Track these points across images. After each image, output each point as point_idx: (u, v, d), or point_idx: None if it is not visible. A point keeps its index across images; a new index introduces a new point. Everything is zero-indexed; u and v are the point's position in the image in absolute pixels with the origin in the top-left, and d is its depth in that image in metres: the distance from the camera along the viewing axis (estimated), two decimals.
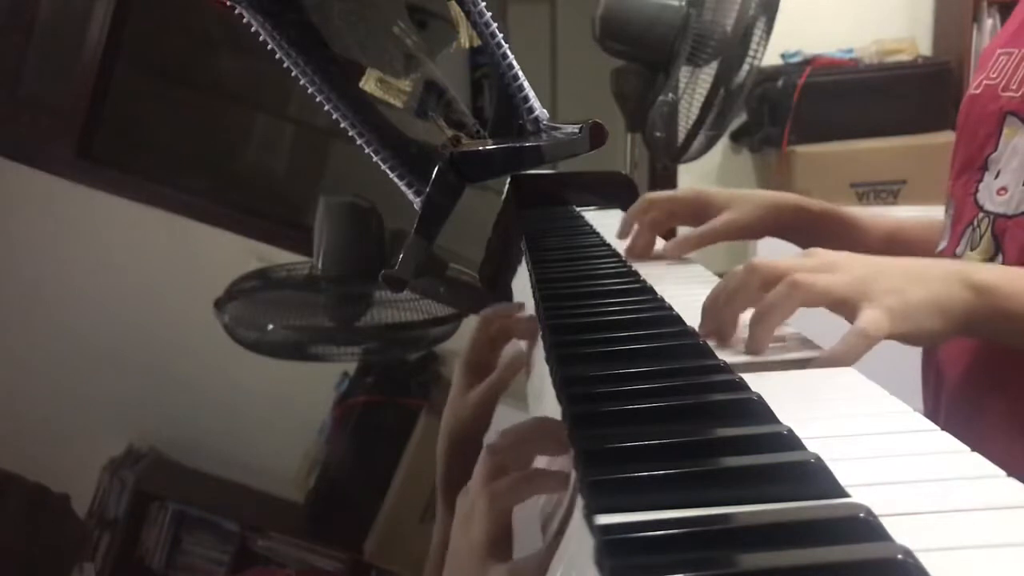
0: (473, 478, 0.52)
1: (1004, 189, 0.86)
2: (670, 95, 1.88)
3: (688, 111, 1.91)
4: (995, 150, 0.88)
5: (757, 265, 0.62)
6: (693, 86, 1.89)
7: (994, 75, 0.91)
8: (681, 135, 1.94)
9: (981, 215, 0.88)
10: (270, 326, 2.08)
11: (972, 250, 0.88)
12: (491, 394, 0.80)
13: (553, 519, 0.48)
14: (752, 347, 0.59)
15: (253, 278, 2.23)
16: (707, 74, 1.87)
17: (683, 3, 1.84)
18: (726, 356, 0.53)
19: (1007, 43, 0.92)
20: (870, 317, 0.59)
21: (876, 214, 1.07)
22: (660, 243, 1.01)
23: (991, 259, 0.85)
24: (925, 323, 0.61)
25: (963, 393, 0.88)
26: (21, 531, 2.48)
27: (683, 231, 0.97)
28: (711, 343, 0.57)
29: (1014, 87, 0.87)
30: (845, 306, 0.60)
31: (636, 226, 0.95)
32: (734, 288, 0.61)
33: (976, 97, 0.93)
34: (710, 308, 0.62)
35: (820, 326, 0.62)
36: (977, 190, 0.89)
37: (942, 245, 0.95)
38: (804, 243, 1.01)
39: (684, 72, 1.89)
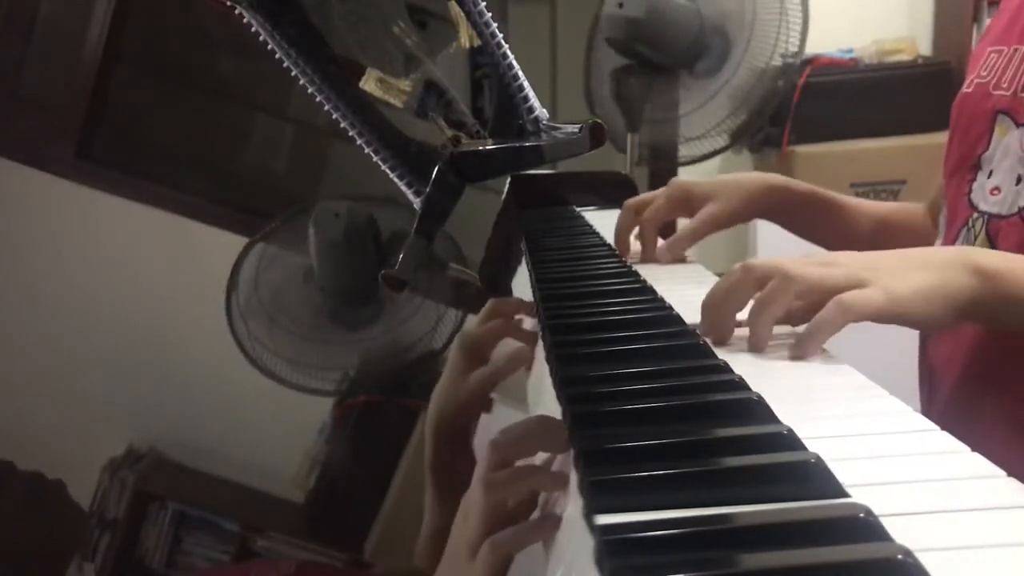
0: (475, 473, 0.52)
1: (997, 189, 0.86)
2: (682, 102, 1.89)
3: (690, 116, 1.91)
4: (987, 149, 0.88)
5: (752, 264, 0.62)
6: (696, 89, 1.90)
7: (985, 73, 0.90)
8: (681, 142, 1.94)
9: (975, 215, 0.87)
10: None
11: None
12: (490, 381, 0.79)
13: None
14: (754, 342, 0.58)
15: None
16: (711, 78, 1.87)
17: (697, 9, 1.85)
18: (726, 354, 0.53)
19: (997, 41, 0.91)
20: (860, 293, 0.58)
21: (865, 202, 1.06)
22: (660, 243, 1.01)
23: None
24: (927, 308, 0.60)
25: (959, 392, 0.88)
26: (19, 516, 2.47)
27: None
28: (710, 342, 0.57)
29: (1005, 85, 0.87)
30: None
31: (634, 234, 0.95)
32: (729, 286, 0.61)
33: (968, 96, 0.92)
34: (707, 307, 0.62)
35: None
36: (971, 190, 0.89)
37: (937, 244, 0.95)
38: (792, 224, 1.00)
39: (688, 77, 1.89)
